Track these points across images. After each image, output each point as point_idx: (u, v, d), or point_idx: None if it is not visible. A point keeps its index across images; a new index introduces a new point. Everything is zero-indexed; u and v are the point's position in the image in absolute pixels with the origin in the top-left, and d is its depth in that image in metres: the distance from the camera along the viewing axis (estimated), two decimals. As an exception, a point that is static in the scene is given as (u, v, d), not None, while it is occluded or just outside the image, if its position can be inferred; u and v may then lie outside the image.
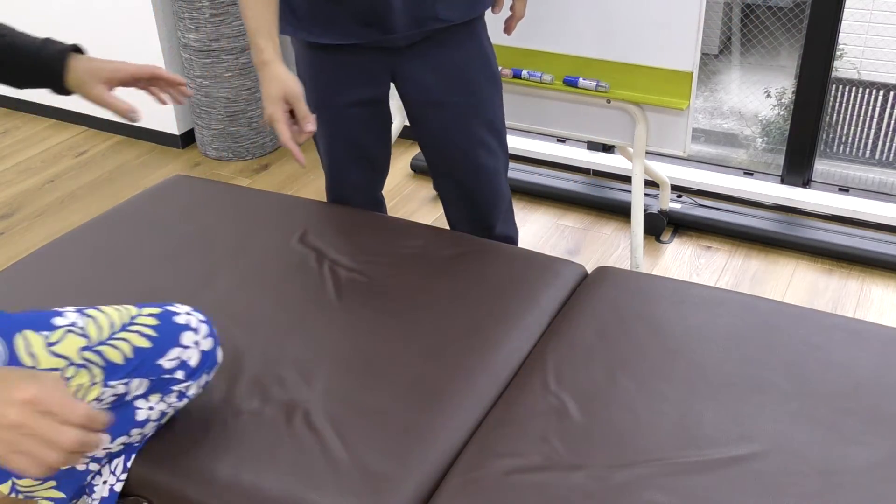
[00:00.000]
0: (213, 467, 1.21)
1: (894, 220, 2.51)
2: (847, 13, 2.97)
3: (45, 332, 1.13)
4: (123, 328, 1.18)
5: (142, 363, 1.18)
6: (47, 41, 1.31)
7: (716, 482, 1.13)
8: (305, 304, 1.50)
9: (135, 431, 1.22)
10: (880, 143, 3.75)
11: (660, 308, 1.45)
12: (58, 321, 1.16)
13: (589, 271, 1.62)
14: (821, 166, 2.77)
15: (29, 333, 1.13)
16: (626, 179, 2.76)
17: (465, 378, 1.32)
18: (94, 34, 3.22)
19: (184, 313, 1.24)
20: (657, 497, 1.11)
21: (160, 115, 3.20)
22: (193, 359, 1.22)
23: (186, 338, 1.21)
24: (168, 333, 1.21)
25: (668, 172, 2.71)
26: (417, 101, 1.73)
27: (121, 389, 1.17)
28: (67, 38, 3.58)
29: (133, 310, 1.22)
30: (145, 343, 1.18)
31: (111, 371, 1.15)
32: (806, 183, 2.68)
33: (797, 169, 2.66)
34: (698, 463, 1.16)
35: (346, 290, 1.53)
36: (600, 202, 2.72)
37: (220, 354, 1.27)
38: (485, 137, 1.76)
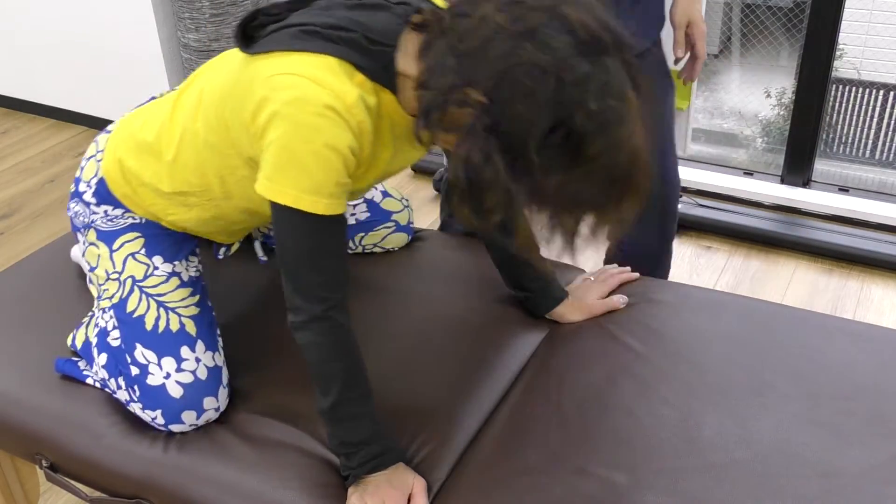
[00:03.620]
0: (213, 467, 1.21)
1: (894, 220, 2.51)
2: (847, 13, 2.97)
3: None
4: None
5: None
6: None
7: (716, 485, 1.13)
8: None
9: None
10: (880, 143, 3.75)
11: (660, 311, 1.45)
12: None
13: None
14: (821, 166, 2.77)
15: None
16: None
17: (467, 382, 1.32)
18: (94, 34, 3.22)
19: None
20: (658, 500, 1.11)
21: (160, 115, 3.20)
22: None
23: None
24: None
25: (668, 172, 2.70)
26: None
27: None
28: (68, 38, 3.53)
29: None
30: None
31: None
32: (806, 183, 2.68)
33: (797, 169, 2.66)
34: (699, 466, 1.16)
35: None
36: (600, 202, 2.71)
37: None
38: None
